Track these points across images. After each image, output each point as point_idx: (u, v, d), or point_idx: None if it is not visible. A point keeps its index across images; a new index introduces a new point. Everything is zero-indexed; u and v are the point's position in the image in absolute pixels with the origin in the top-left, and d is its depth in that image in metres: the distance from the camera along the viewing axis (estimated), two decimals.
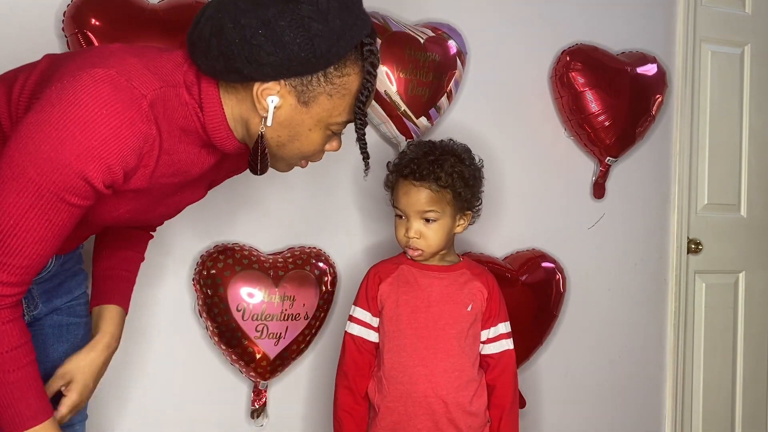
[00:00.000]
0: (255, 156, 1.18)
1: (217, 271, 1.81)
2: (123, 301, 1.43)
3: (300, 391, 2.03)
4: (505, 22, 2.27)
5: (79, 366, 1.31)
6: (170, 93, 1.11)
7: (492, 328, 1.71)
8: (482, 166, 1.74)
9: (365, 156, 1.26)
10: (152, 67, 1.11)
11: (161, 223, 1.44)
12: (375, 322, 1.69)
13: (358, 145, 1.23)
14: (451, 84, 2.07)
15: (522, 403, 2.22)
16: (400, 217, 1.66)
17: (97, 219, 1.19)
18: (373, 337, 1.69)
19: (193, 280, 1.85)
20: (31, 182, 1.02)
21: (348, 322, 1.73)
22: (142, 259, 1.51)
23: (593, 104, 2.22)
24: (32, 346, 1.14)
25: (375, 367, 1.70)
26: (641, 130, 2.34)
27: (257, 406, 1.93)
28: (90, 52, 1.13)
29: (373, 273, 1.73)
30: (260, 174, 1.20)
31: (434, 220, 1.63)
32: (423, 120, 2.03)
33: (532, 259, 2.21)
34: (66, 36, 1.66)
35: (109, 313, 1.38)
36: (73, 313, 1.40)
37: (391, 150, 2.08)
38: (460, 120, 2.18)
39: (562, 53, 2.27)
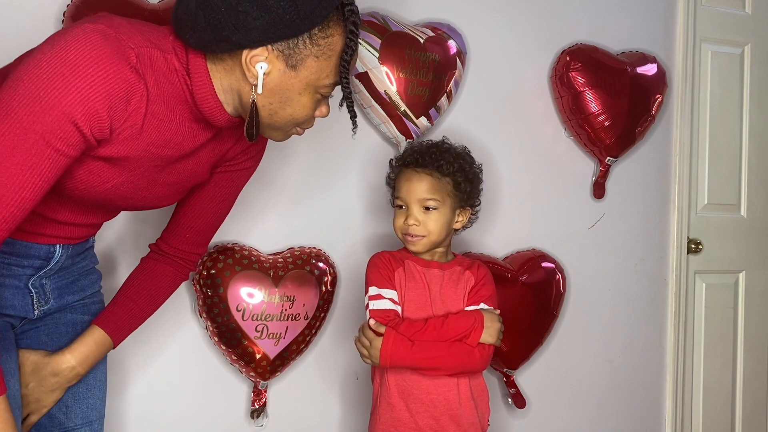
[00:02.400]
0: (250, 123, 1.21)
1: (217, 271, 1.81)
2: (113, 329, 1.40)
3: (300, 391, 2.02)
4: (505, 22, 2.27)
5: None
6: (158, 55, 1.13)
7: (473, 306, 1.68)
8: (481, 171, 1.76)
9: (353, 115, 1.29)
10: (141, 30, 1.14)
11: (159, 206, 1.39)
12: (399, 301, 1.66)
13: (345, 104, 1.27)
14: (451, 84, 2.06)
15: (522, 403, 2.22)
16: (400, 207, 1.68)
17: (90, 193, 1.19)
18: (399, 313, 1.65)
19: (193, 280, 1.84)
20: (19, 122, 1.02)
21: (372, 302, 1.64)
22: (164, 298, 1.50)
23: (593, 104, 2.22)
24: None
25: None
26: (641, 130, 2.34)
27: (257, 406, 1.93)
28: (78, 20, 1.16)
29: (387, 258, 1.69)
30: (254, 139, 1.22)
31: (434, 209, 1.64)
32: (423, 120, 2.03)
33: (532, 259, 2.21)
34: None
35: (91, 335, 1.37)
36: (87, 311, 1.41)
37: (391, 150, 2.08)
38: (460, 120, 2.18)
39: (562, 53, 2.27)
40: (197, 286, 1.82)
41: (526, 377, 2.28)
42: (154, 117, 1.15)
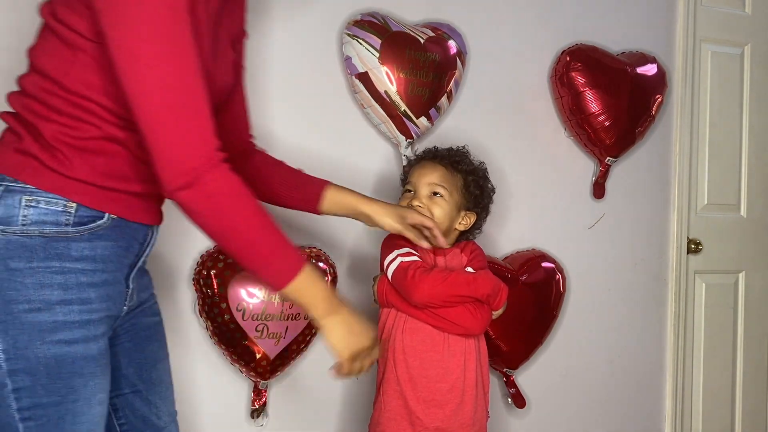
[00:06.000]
0: None
1: (217, 270, 1.81)
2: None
3: (300, 391, 2.02)
4: (505, 22, 2.27)
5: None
6: None
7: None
8: (494, 191, 1.80)
9: None
10: None
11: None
12: None
13: None
14: (451, 84, 2.06)
15: (522, 403, 2.22)
16: (408, 191, 1.71)
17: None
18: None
19: (193, 280, 1.84)
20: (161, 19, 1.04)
21: (402, 258, 1.63)
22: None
23: (593, 104, 2.22)
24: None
25: (385, 350, 1.67)
26: (641, 130, 2.34)
27: (257, 406, 1.93)
28: None
29: (398, 237, 1.67)
30: None
31: (441, 196, 1.67)
32: (423, 120, 2.03)
33: (532, 259, 2.21)
34: None
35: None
36: (153, 312, 1.40)
37: (391, 150, 2.08)
38: (460, 120, 2.18)
39: (562, 53, 2.27)
40: (197, 286, 1.82)
41: (526, 377, 2.28)
42: None
